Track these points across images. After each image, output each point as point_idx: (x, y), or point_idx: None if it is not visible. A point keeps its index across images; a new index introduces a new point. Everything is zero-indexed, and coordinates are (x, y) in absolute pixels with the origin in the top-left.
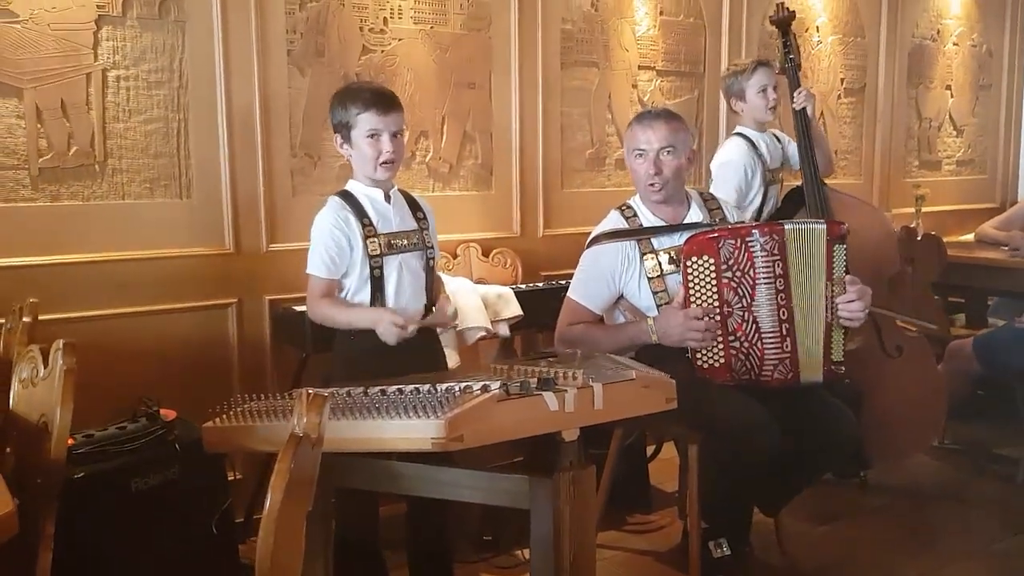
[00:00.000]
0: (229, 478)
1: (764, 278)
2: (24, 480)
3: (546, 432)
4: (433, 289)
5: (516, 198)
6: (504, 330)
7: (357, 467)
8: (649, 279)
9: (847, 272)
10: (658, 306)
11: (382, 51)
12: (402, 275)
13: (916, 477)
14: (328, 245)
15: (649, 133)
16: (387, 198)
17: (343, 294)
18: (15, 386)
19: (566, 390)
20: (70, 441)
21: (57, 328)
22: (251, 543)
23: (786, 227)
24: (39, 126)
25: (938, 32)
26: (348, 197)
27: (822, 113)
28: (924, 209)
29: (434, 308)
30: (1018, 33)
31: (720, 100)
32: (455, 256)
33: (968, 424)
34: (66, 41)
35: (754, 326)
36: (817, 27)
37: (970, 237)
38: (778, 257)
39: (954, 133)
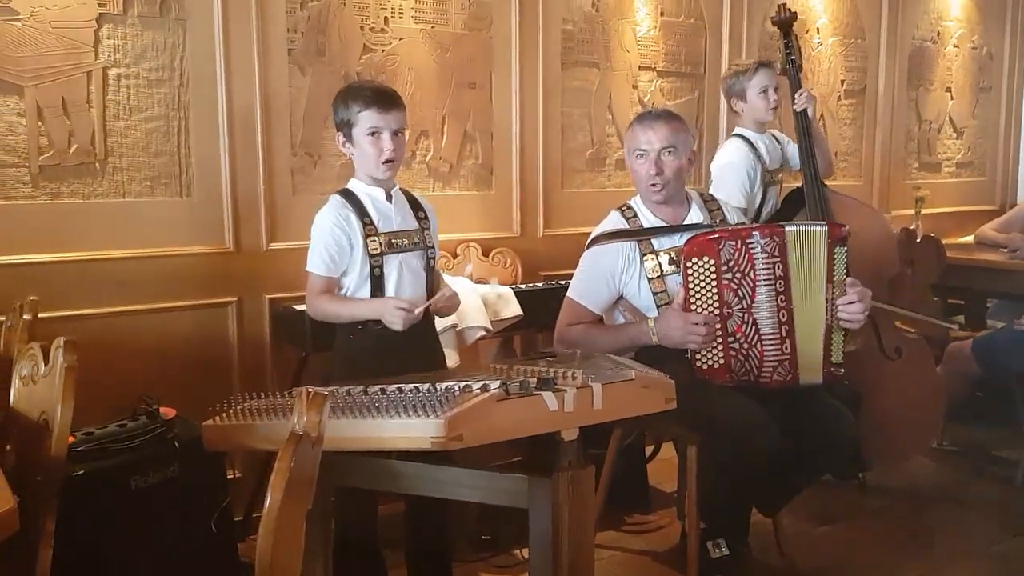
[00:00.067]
0: (228, 476)
1: (764, 279)
2: (24, 477)
3: (545, 432)
4: (434, 289)
5: (516, 198)
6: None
7: (356, 466)
8: (649, 280)
9: (847, 274)
10: (658, 307)
11: (383, 50)
12: (402, 274)
13: (915, 478)
14: (328, 243)
15: (650, 133)
16: (388, 197)
17: (343, 293)
18: (16, 383)
19: (565, 390)
20: (70, 439)
21: (57, 326)
22: (250, 541)
23: (786, 229)
24: (40, 124)
25: (938, 34)
26: (349, 196)
27: (822, 114)
28: (924, 211)
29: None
30: (1018, 36)
31: (720, 101)
32: (455, 256)
33: (967, 426)
34: (67, 39)
35: (754, 327)
36: (818, 29)
37: (970, 239)
38: (778, 259)
39: (954, 135)
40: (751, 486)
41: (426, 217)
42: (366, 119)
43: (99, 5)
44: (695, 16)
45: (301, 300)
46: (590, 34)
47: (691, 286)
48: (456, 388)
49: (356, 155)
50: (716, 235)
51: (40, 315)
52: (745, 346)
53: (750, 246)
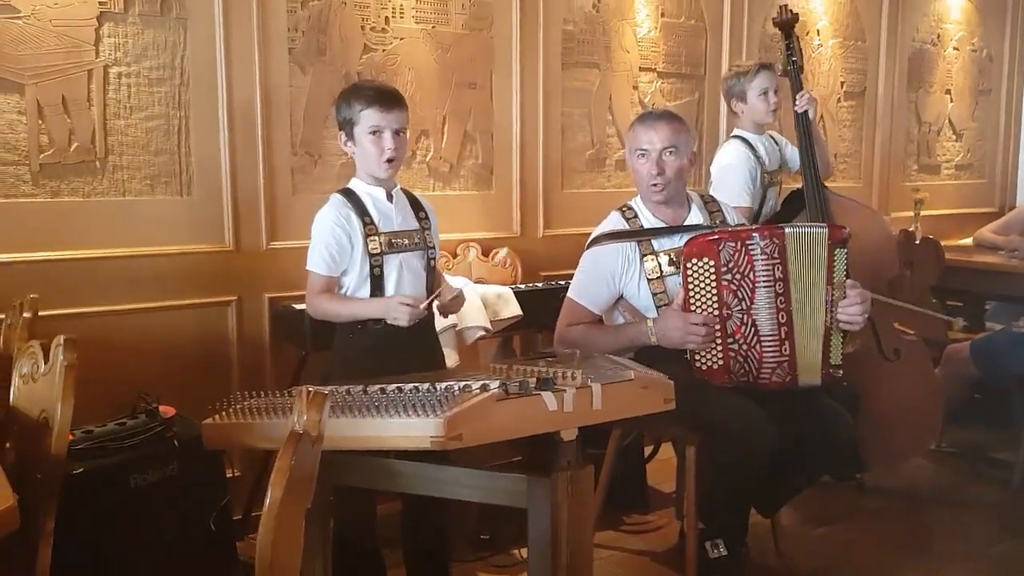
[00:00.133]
0: (227, 475)
1: (764, 281)
2: (24, 475)
3: (544, 432)
4: (434, 289)
5: (516, 198)
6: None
7: (355, 465)
8: (649, 280)
9: (847, 276)
10: (657, 307)
11: (383, 50)
12: (402, 274)
13: (913, 480)
14: (328, 242)
15: (652, 133)
16: (389, 197)
17: (342, 292)
18: (16, 381)
19: (565, 390)
20: (69, 437)
21: (57, 324)
22: (249, 540)
23: (786, 231)
24: (40, 122)
25: (938, 36)
26: (350, 195)
27: (822, 116)
28: (923, 213)
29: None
30: (1018, 38)
31: (720, 102)
32: (455, 256)
33: (965, 428)
34: (68, 37)
35: (753, 329)
36: (818, 30)
37: (968, 241)
38: (778, 261)
39: (953, 137)
40: (749, 487)
41: (427, 217)
42: (368, 118)
43: (100, 4)
44: (696, 17)
45: (301, 299)
46: (591, 35)
47: (691, 287)
48: (456, 388)
49: (357, 154)
50: (716, 236)
51: (40, 313)
52: (744, 347)
53: (750, 247)
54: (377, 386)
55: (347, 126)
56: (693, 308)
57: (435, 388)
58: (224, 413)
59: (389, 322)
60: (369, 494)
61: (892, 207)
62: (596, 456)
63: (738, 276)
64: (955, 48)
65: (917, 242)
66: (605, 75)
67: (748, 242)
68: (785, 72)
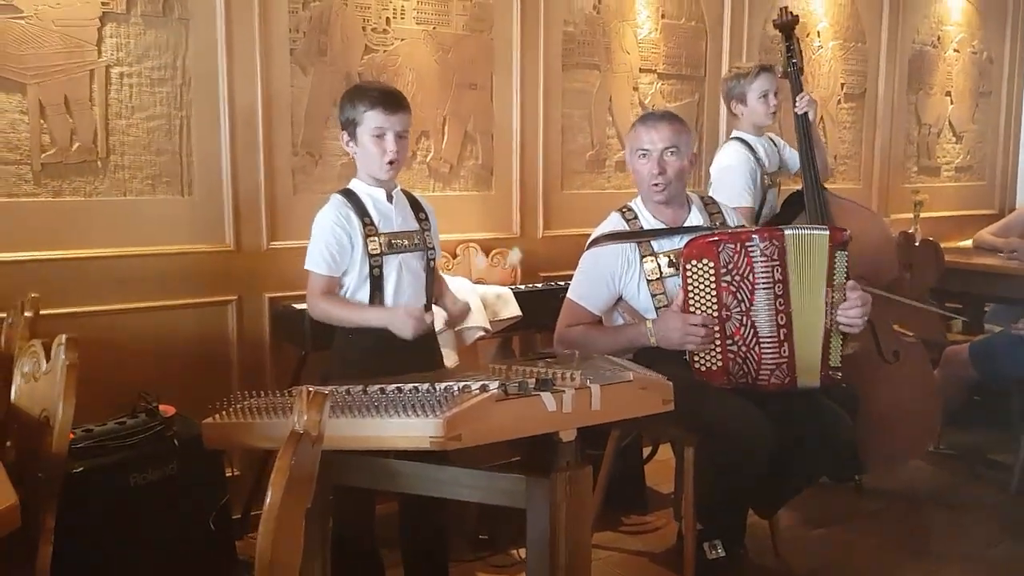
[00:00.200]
0: (227, 474)
1: (763, 283)
2: (25, 474)
3: (543, 432)
4: (433, 290)
5: (516, 199)
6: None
7: (354, 465)
8: (648, 281)
9: (847, 278)
10: (657, 309)
11: (384, 51)
12: (402, 275)
13: (911, 482)
14: (329, 242)
15: (653, 133)
16: (389, 198)
17: (341, 292)
18: (17, 380)
19: (564, 391)
20: (70, 435)
21: (58, 323)
22: (248, 539)
23: (786, 233)
24: (42, 122)
25: (939, 38)
26: (350, 195)
27: (822, 118)
28: (922, 215)
29: (436, 306)
30: (1019, 40)
31: (720, 104)
32: (455, 256)
33: (963, 430)
34: (70, 37)
35: (752, 330)
36: (818, 32)
37: (968, 243)
38: (777, 263)
39: (953, 139)
40: (748, 488)
41: (427, 218)
42: (372, 119)
43: (102, 4)
44: (696, 19)
45: (301, 299)
46: (591, 36)
47: (690, 288)
48: (455, 388)
49: (359, 154)
50: (716, 238)
51: (41, 312)
52: (743, 349)
53: (749, 249)
54: (377, 386)
55: (350, 126)
56: (692, 309)
57: (435, 388)
58: (224, 413)
59: (393, 332)
60: (368, 494)
61: (892, 209)
62: (595, 457)
63: (737, 278)
64: (955, 50)
65: (917, 244)
66: (605, 76)
67: (748, 244)
68: (785, 74)
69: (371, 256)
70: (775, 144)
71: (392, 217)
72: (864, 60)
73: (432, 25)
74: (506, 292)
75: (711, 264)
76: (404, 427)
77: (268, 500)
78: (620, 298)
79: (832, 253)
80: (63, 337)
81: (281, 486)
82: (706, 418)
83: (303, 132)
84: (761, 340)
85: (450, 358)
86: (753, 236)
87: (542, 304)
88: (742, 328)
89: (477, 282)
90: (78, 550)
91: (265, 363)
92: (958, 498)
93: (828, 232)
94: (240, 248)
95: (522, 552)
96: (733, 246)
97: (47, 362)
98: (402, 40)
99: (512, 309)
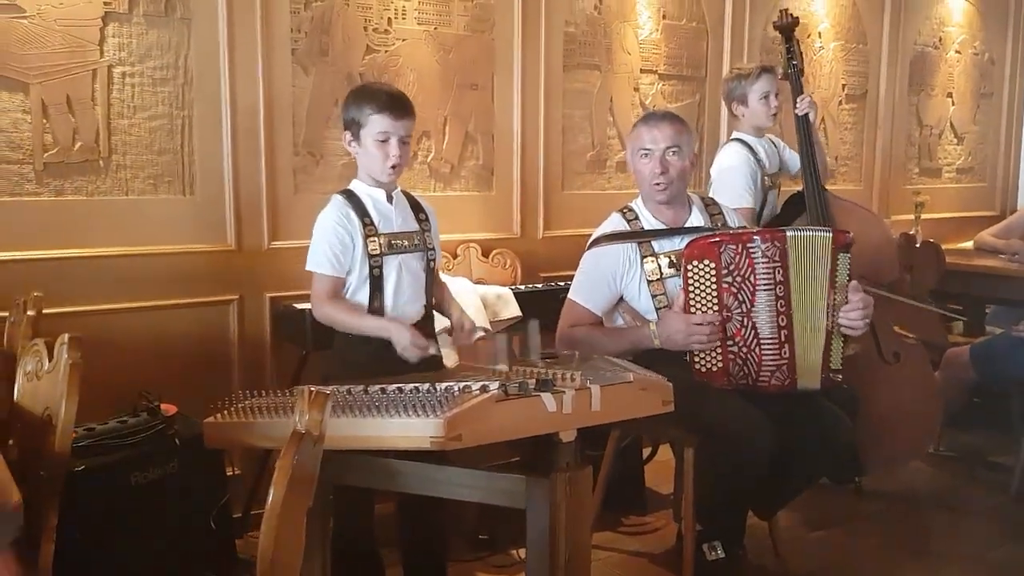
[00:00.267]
0: (227, 474)
1: (764, 284)
2: (27, 473)
3: (543, 433)
4: (433, 291)
5: (517, 199)
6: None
7: (355, 464)
8: (649, 282)
9: (849, 279)
10: (657, 309)
11: (386, 51)
12: (401, 275)
13: (911, 483)
14: (332, 242)
15: (655, 133)
16: (389, 198)
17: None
18: (20, 379)
19: (564, 391)
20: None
21: (60, 322)
22: (248, 538)
23: (788, 234)
24: (44, 121)
25: (940, 40)
26: (351, 196)
27: (823, 119)
28: (923, 216)
29: (436, 313)
30: (1020, 42)
31: (721, 105)
32: (455, 256)
33: (964, 431)
34: (72, 37)
35: (753, 332)
36: (819, 33)
37: (969, 245)
38: (779, 264)
39: (955, 141)
40: (748, 489)
41: (427, 219)
42: (377, 123)
43: (104, 3)
44: (697, 19)
45: (302, 299)
46: (592, 36)
47: (691, 289)
48: (455, 388)
49: (361, 156)
50: (717, 239)
51: (44, 311)
52: (744, 350)
53: (751, 250)
54: (377, 386)
55: (354, 127)
56: (693, 310)
57: (435, 388)
58: (225, 412)
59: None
60: (367, 494)
61: (893, 210)
62: (594, 457)
63: (739, 279)
64: (957, 51)
65: (917, 245)
66: (606, 77)
67: (749, 245)
68: (786, 75)
69: (371, 256)
70: (775, 145)
71: (392, 217)
72: (865, 61)
73: (433, 25)
74: (506, 292)
75: (712, 265)
76: (405, 427)
77: (270, 499)
78: (621, 299)
79: (835, 255)
80: (66, 336)
81: (283, 485)
82: (706, 419)
83: (304, 132)
84: (762, 341)
85: (450, 358)
86: (754, 237)
87: (542, 304)
88: (743, 329)
89: (477, 282)
90: (80, 548)
91: (266, 363)
92: (958, 500)
93: (831, 234)
94: (241, 248)
95: (522, 552)
96: (734, 247)
97: (50, 361)
98: (403, 40)
99: (512, 309)
